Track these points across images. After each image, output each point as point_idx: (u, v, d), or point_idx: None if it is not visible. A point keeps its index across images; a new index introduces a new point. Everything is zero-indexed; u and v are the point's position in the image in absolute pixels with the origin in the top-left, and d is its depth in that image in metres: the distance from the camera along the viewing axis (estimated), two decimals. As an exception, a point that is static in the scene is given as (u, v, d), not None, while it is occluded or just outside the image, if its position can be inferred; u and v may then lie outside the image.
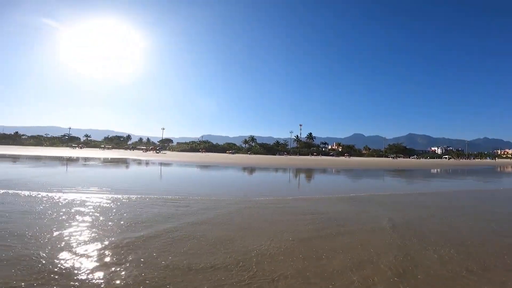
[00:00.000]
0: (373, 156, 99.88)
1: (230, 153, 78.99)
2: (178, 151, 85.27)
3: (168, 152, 68.89)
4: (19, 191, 7.21)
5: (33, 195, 6.79)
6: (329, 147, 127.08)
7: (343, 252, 3.72)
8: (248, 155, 71.63)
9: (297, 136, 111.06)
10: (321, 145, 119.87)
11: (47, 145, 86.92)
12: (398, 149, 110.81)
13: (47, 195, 6.88)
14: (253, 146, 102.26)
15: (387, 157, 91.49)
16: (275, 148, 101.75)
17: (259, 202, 7.11)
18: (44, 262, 3.08)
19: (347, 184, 14.48)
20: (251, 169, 21.50)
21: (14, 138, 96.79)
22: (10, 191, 7.18)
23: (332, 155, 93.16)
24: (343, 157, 77.47)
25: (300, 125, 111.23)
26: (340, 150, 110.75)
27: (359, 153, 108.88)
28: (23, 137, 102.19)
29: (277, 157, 65.46)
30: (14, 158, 23.83)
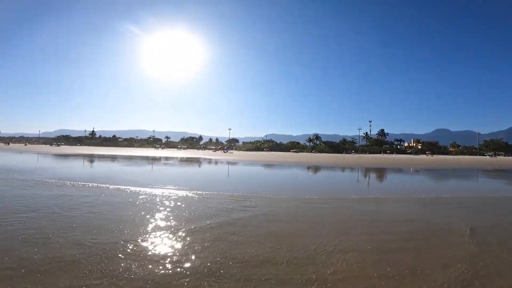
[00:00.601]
0: (463, 154, 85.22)
1: (294, 151, 78.42)
2: (244, 150, 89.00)
3: (234, 152, 72.62)
4: (120, 186, 8.71)
5: (122, 189, 8.11)
6: (406, 144, 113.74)
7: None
8: (312, 153, 69.93)
9: (366, 133, 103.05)
10: (395, 142, 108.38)
11: (137, 146, 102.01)
12: (497, 146, 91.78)
13: (136, 189, 8.12)
14: (318, 144, 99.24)
15: (483, 155, 76.79)
16: (341, 146, 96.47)
17: (323, 201, 6.91)
18: (128, 238, 3.66)
19: (428, 185, 12.76)
20: (315, 168, 20.96)
21: (112, 141, 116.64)
22: (111, 186, 8.72)
23: (410, 153, 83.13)
24: (424, 156, 68.31)
25: (370, 122, 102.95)
26: (419, 147, 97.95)
27: (444, 151, 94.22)
28: (119, 139, 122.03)
29: (344, 155, 62.08)
30: (112, 158, 28.65)
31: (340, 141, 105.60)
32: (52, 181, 9.53)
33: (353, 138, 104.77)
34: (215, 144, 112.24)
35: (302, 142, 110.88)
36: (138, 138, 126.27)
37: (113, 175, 12.44)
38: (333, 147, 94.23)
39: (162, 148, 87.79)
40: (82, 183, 9.11)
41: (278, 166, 22.01)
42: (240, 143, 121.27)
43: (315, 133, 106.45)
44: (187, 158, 33.50)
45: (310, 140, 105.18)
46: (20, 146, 69.01)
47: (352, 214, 5.84)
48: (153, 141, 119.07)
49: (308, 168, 21.11)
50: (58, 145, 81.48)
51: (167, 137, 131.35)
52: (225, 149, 71.86)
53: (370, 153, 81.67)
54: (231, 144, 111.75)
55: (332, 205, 6.62)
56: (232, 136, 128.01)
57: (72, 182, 9.18)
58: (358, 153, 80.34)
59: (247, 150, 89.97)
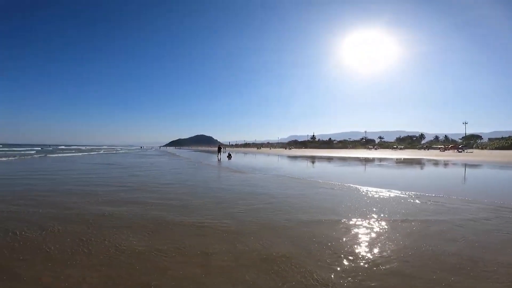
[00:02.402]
0: None
1: None
2: (491, 148, 65.25)
3: (475, 151, 55.15)
4: (331, 182, 9.39)
5: (333, 184, 8.50)
6: None
7: None
8: None
9: None
10: None
11: (350, 148, 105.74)
12: None
13: (347, 185, 8.30)
14: None
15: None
16: None
17: None
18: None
19: None
20: None
21: (328, 143, 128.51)
22: (330, 182, 9.54)
23: None
24: None
25: None
26: None
27: None
28: (334, 142, 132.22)
29: None
30: (328, 159, 31.36)
31: None
32: (293, 177, 12.02)
33: None
34: (444, 143, 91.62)
35: None
36: (351, 139, 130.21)
37: (330, 173, 13.65)
38: None
39: (376, 149, 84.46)
40: (309, 179, 10.74)
41: None
42: (485, 139, 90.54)
43: None
44: (404, 159, 29.82)
45: None
46: (267, 149, 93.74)
47: None
48: (365, 142, 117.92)
49: None
50: (290, 148, 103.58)
51: (380, 137, 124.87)
52: (460, 148, 56.44)
53: None
54: (470, 141, 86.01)
55: None
56: (470, 131, 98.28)
57: (306, 179, 11.07)
58: None
59: (496, 148, 65.16)
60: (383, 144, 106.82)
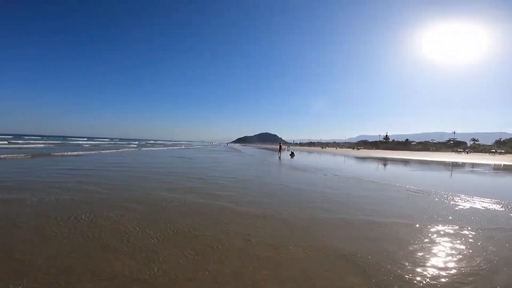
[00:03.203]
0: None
1: None
2: None
3: None
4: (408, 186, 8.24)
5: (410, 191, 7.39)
6: None
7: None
8: None
9: None
10: None
11: (433, 150, 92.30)
12: None
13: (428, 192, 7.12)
14: None
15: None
16: None
17: None
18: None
19: None
20: None
21: (405, 144, 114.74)
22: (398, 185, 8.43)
23: None
24: None
25: None
26: None
27: None
28: (412, 143, 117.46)
29: None
30: (405, 162, 27.95)
31: None
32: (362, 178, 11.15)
33: None
34: None
35: None
36: (434, 141, 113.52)
37: (405, 177, 12.07)
38: None
39: (467, 153, 71.50)
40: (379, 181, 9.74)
41: None
42: None
43: None
44: (504, 165, 24.34)
45: None
46: (332, 149, 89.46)
47: None
48: (453, 144, 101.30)
49: None
50: (358, 149, 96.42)
51: (473, 140, 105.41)
52: None
53: None
54: None
55: None
56: None
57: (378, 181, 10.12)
58: None
59: None
60: (477, 148, 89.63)
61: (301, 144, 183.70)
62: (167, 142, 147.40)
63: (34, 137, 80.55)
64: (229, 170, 12.92)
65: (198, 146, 73.12)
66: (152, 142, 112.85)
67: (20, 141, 39.27)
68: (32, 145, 31.85)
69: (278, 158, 26.23)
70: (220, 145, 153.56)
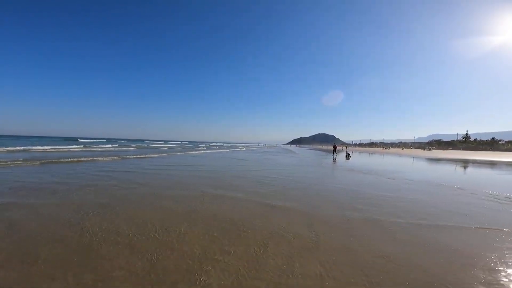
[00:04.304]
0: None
1: None
2: None
3: None
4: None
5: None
6: None
7: None
8: None
9: None
10: None
11: (528, 150, 76.35)
12: None
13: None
14: None
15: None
16: None
17: None
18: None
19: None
20: None
21: (490, 144, 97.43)
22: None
23: None
24: None
25: None
26: None
27: None
28: (500, 142, 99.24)
29: None
30: (491, 164, 23.60)
31: None
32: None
33: None
34: None
35: None
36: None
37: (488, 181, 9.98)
38: None
39: None
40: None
41: None
42: None
43: None
44: None
45: None
46: (398, 150, 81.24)
47: None
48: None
49: None
50: (430, 149, 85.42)
51: None
52: None
53: None
54: None
55: None
56: None
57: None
58: None
59: None
60: None
61: (360, 145, 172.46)
62: (226, 143, 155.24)
63: (122, 140, 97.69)
64: (277, 171, 12.67)
65: (254, 148, 74.71)
66: (215, 144, 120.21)
67: (116, 143, 50.74)
68: (128, 148, 38.37)
69: (333, 159, 24.81)
70: (275, 146, 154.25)
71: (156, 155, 23.02)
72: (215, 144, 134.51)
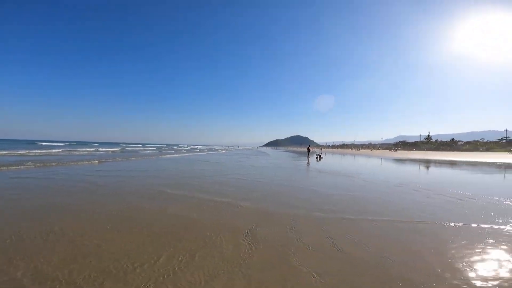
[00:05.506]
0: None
1: None
2: None
3: None
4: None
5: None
6: None
7: None
8: None
9: None
10: None
11: (482, 150, 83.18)
12: None
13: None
14: None
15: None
16: None
17: None
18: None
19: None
20: None
21: (450, 145, 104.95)
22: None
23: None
24: None
25: None
26: None
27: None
28: (459, 143, 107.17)
29: None
30: (452, 164, 25.01)
31: None
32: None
33: None
34: None
35: None
36: (484, 140, 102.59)
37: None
38: None
39: (525, 152, 63.09)
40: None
41: None
42: None
43: None
44: None
45: None
46: (367, 151, 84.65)
47: None
48: (506, 143, 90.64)
49: None
50: (396, 150, 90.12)
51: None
52: None
53: None
54: None
55: None
56: None
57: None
58: None
59: None
60: (539, 147, 78.87)
61: (333, 147, 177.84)
62: (203, 146, 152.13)
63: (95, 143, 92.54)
64: (246, 172, 12.23)
65: (224, 151, 73.90)
66: (196, 147, 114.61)
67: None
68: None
69: (307, 161, 24.86)
70: (251, 149, 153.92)
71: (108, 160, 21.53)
72: (196, 147, 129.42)
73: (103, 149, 44.46)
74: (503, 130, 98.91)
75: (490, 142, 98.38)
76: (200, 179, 10.24)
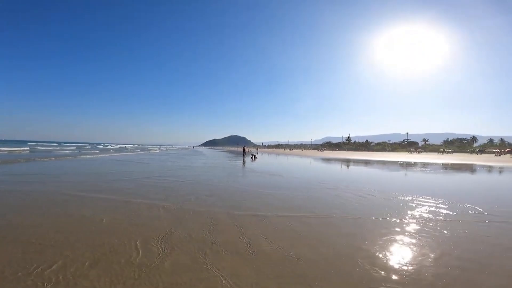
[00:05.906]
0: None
1: None
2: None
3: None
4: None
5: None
6: None
7: None
8: None
9: None
10: None
11: (389, 150, 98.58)
12: None
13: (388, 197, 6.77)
14: None
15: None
16: None
17: None
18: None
19: None
20: None
21: (365, 145, 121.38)
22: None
23: None
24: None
25: None
26: None
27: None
28: (371, 144, 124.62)
29: None
30: (366, 163, 28.89)
31: None
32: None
33: None
34: (499, 146, 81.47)
35: None
36: (391, 142, 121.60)
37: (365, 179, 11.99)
38: None
39: (418, 152, 77.45)
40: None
41: None
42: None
43: None
44: (452, 164, 26.26)
45: None
46: (299, 151, 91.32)
47: None
48: (407, 145, 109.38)
49: None
50: (322, 150, 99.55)
51: (424, 140, 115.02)
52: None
53: None
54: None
55: None
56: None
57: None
58: None
59: None
60: (428, 147, 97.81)
61: (269, 147, 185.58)
62: (135, 146, 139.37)
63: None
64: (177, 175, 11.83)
65: (158, 151, 69.73)
66: (101, 146, 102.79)
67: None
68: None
69: (242, 161, 25.26)
70: (187, 148, 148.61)
71: None
72: (126, 146, 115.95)
73: (5, 149, 36.24)
74: (405, 133, 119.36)
75: (395, 143, 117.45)
76: (120, 182, 9.48)
